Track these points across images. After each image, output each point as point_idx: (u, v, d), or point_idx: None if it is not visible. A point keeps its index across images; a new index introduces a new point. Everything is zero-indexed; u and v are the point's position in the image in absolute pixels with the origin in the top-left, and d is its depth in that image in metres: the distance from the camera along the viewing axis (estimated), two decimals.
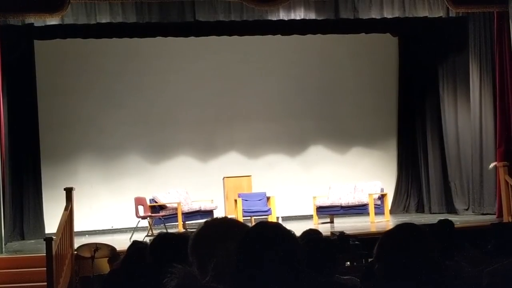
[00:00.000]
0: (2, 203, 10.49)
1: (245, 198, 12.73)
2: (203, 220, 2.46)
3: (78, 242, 9.85)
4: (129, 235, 12.07)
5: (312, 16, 11.51)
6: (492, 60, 12.04)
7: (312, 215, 13.06)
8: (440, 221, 5.95)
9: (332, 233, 8.77)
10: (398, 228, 2.59)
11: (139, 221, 12.32)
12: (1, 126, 10.85)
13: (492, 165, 11.67)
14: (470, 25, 12.47)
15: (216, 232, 2.30)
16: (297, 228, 3.50)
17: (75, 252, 9.41)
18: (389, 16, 11.59)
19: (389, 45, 15.07)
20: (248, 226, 2.35)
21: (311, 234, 5.42)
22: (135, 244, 4.43)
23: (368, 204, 12.60)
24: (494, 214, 11.78)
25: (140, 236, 11.17)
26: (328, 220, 13.04)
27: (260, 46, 14.28)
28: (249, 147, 14.62)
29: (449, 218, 6.14)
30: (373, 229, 11.45)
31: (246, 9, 11.18)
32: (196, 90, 14.34)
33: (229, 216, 13.34)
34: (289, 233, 2.12)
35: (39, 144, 13.13)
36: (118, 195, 13.55)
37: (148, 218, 12.29)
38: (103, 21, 10.86)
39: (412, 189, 14.77)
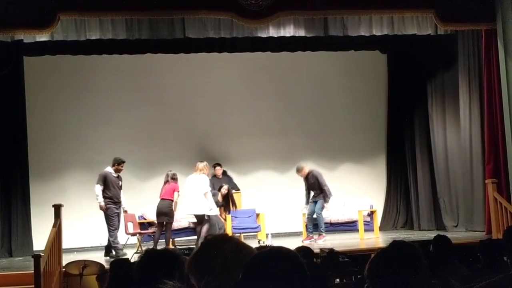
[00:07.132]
0: None
1: (235, 214, 12.72)
2: (192, 238, 2.45)
3: (66, 259, 9.77)
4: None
5: (301, 33, 11.52)
6: (481, 77, 12.10)
7: (301, 232, 13.04)
8: (436, 236, 5.96)
9: (321, 250, 8.74)
10: (394, 246, 2.57)
11: (128, 238, 12.27)
12: None
13: None
14: (459, 43, 12.54)
15: (217, 247, 2.29)
16: (287, 245, 3.49)
17: (63, 269, 9.33)
18: (378, 34, 11.62)
19: (378, 62, 15.14)
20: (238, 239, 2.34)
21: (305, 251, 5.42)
22: (116, 262, 4.39)
23: (357, 220, 12.59)
24: (483, 231, 11.80)
25: (129, 253, 11.11)
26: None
27: (249, 63, 14.31)
28: (239, 164, 14.60)
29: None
30: (363, 246, 11.44)
31: (236, 26, 11.19)
32: (185, 107, 14.34)
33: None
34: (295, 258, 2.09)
35: (27, 160, 13.06)
36: None
37: (137, 235, 12.25)
38: (93, 37, 10.82)
39: (401, 206, 14.78)
